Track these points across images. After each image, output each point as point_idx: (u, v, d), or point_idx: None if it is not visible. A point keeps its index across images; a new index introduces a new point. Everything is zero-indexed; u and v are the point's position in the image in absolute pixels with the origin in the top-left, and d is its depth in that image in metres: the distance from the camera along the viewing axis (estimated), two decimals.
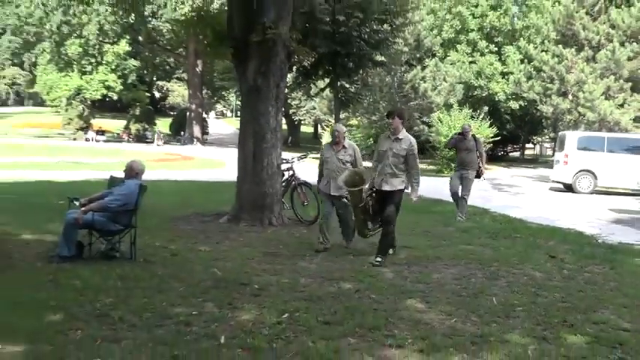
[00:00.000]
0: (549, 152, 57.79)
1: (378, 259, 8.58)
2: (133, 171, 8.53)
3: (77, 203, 8.62)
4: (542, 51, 37.47)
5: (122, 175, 8.70)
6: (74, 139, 52.50)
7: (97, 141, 51.64)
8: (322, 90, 25.19)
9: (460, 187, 13.55)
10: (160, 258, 8.53)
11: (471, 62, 45.17)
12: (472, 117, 37.96)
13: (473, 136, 13.96)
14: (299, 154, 14.40)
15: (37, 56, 62.62)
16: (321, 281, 7.46)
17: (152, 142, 50.59)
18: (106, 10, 49.75)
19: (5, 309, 5.86)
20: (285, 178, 12.44)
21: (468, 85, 43.37)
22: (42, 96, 63.82)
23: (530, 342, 5.43)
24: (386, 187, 8.91)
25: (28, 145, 41.62)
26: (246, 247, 9.60)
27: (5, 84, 74.82)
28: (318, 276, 7.73)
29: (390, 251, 9.08)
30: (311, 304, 6.36)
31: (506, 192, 23.93)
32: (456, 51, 46.07)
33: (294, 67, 17.04)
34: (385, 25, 21.21)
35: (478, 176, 13.69)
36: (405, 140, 8.89)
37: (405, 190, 9.24)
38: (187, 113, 54.89)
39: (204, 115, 59.10)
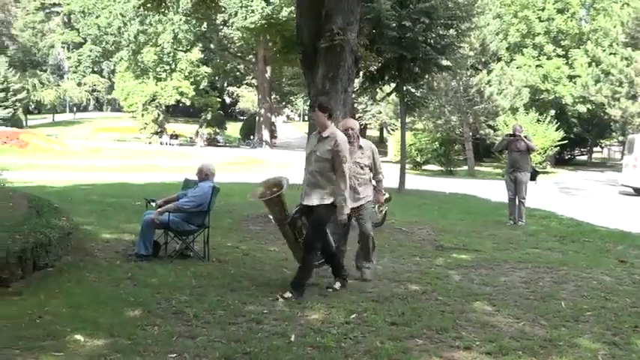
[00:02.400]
0: (618, 156, 56.18)
1: (287, 294, 6.54)
2: (204, 173, 8.69)
3: (153, 204, 8.83)
4: (611, 54, 36.48)
5: (196, 177, 8.87)
6: (149, 142, 53.82)
7: (171, 144, 52.76)
8: (388, 94, 25.05)
9: (515, 191, 13.05)
10: (232, 257, 8.65)
11: (537, 66, 44.28)
12: (538, 120, 37.30)
13: (525, 136, 13.47)
14: None
15: (115, 64, 64.38)
16: (387, 282, 7.45)
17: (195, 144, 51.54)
18: (180, 20, 50.94)
19: (88, 304, 6.05)
20: None
21: (534, 89, 42.49)
22: (120, 102, 65.61)
23: (600, 347, 5.28)
24: (306, 201, 6.93)
25: (107, 148, 42.87)
26: None
27: (86, 91, 77.11)
28: (384, 277, 7.71)
29: (337, 285, 7.05)
30: (378, 305, 6.35)
31: (574, 195, 23.33)
32: (522, 55, 45.22)
33: (361, 72, 16.97)
34: (451, 30, 20.92)
35: (533, 178, 13.35)
36: (331, 139, 6.78)
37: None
38: (257, 118, 55.57)
39: (273, 120, 59.64)
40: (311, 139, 7.34)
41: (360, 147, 7.62)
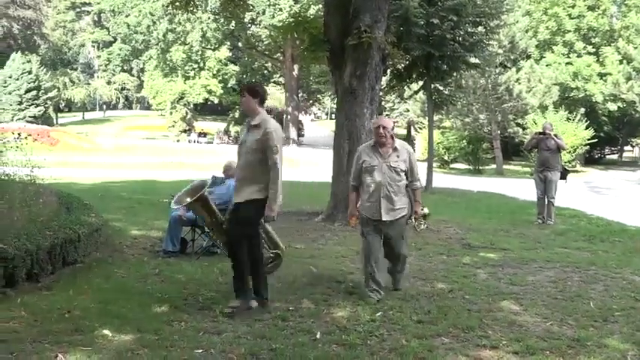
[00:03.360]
0: None
1: (232, 304, 5.85)
2: (232, 171, 8.71)
3: None
4: None
5: (222, 175, 8.91)
6: (178, 140, 54.19)
7: (199, 142, 53.09)
8: (416, 92, 24.92)
9: (545, 190, 12.80)
10: None
11: (567, 63, 43.69)
12: (568, 119, 36.83)
13: (555, 135, 13.19)
14: None
15: (144, 63, 64.91)
16: (414, 281, 7.41)
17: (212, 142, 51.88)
18: (209, 18, 51.21)
19: (116, 300, 6.11)
20: None
21: (563, 87, 41.97)
22: (149, 100, 66.19)
23: (629, 348, 5.19)
24: (235, 198, 6.12)
25: (136, 146, 43.26)
26: (341, 245, 9.63)
27: (115, 89, 77.89)
28: (411, 275, 7.65)
29: (234, 303, 5.87)
30: (404, 303, 6.33)
31: (604, 195, 23.02)
32: (552, 52, 44.65)
33: (389, 70, 16.91)
34: (480, 27, 20.77)
35: (563, 177, 12.98)
36: (260, 127, 5.93)
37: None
38: (284, 116, 55.66)
39: (300, 118, 59.72)
40: (242, 129, 6.65)
41: (395, 149, 6.54)
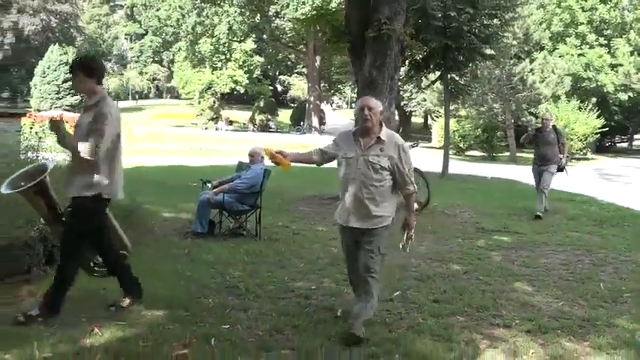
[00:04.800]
0: None
1: (32, 313, 4.81)
2: (258, 156, 8.74)
3: (209, 185, 8.95)
4: None
5: (248, 160, 8.93)
6: (206, 128, 54.34)
7: (226, 130, 53.25)
8: (433, 82, 24.72)
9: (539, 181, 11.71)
10: (282, 236, 8.70)
11: (579, 55, 43.05)
12: (580, 108, 36.42)
13: (554, 127, 11.97)
14: (410, 142, 14.24)
15: (174, 54, 65.08)
16: (430, 262, 7.40)
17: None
18: (235, 12, 51.14)
19: (149, 278, 6.15)
20: None
21: (576, 77, 41.38)
22: (178, 90, 66.38)
23: (637, 327, 5.16)
24: (66, 189, 5.08)
25: (167, 133, 43.48)
26: None
27: (147, 79, 78.29)
28: (427, 257, 7.65)
29: (124, 303, 5.20)
30: (421, 284, 6.33)
31: (614, 182, 22.72)
32: (565, 44, 44.01)
33: (407, 61, 16.79)
34: (495, 19, 20.53)
35: (561, 170, 11.81)
36: (97, 108, 4.87)
37: None
38: (306, 105, 55.60)
39: (322, 107, 59.61)
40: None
41: (380, 140, 4.81)
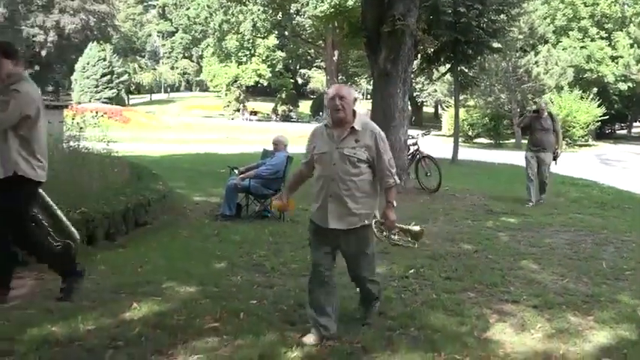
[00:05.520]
0: None
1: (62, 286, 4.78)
2: (281, 144, 8.72)
3: (236, 171, 8.96)
4: None
5: (272, 148, 8.92)
6: (232, 118, 54.47)
7: (251, 120, 53.29)
8: (443, 74, 24.45)
9: (537, 172, 10.70)
10: (303, 219, 8.62)
11: (581, 47, 42.44)
12: (582, 97, 36.01)
13: (549, 113, 10.96)
14: (422, 131, 14.20)
15: (202, 50, 65.10)
16: (442, 242, 7.34)
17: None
18: (259, 10, 50.93)
19: (182, 257, 6.20)
20: (410, 151, 12.23)
21: (578, 69, 40.82)
22: (206, 83, 66.48)
23: (638, 303, 5.10)
24: None
25: (196, 123, 43.61)
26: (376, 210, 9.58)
27: (178, 73, 78.49)
28: (439, 237, 7.60)
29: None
30: (434, 262, 6.28)
31: (614, 167, 22.44)
32: (568, 37, 43.38)
33: (419, 54, 16.62)
34: (502, 15, 20.22)
35: (554, 159, 10.87)
36: (11, 87, 4.45)
37: None
38: (325, 96, 55.45)
39: None
40: None
41: (354, 130, 4.07)
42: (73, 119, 9.61)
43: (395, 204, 4.24)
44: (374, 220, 4.21)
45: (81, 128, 9.21)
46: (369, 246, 4.24)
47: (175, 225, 8.04)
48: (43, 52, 58.46)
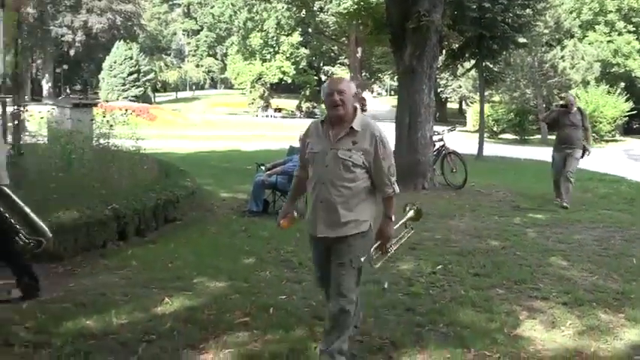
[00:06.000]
0: None
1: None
2: None
3: (263, 168, 8.99)
4: None
5: (299, 145, 8.92)
6: (257, 115, 54.63)
7: (275, 117, 53.42)
8: (468, 70, 24.31)
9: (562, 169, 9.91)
10: None
11: (608, 42, 41.69)
12: (609, 92, 35.46)
13: (578, 108, 10.15)
14: (448, 127, 14.10)
15: (227, 48, 65.33)
16: (469, 238, 7.28)
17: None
18: (283, 7, 51.01)
19: (211, 253, 6.24)
20: (436, 148, 12.15)
21: (605, 63, 40.13)
22: (231, 80, 66.74)
23: None
24: None
25: (221, 121, 43.84)
26: (401, 207, 9.50)
27: (203, 71, 78.93)
28: (466, 233, 7.55)
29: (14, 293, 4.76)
30: (462, 258, 6.23)
31: None
32: (594, 31, 42.65)
33: (444, 50, 16.52)
34: (528, 9, 20.00)
35: (583, 155, 10.05)
36: None
37: None
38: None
39: (363, 94, 59.27)
40: None
41: (352, 131, 3.53)
42: (104, 116, 9.71)
43: (393, 218, 3.71)
44: (372, 250, 3.69)
45: (111, 126, 9.30)
46: (357, 258, 3.55)
47: (204, 221, 8.10)
48: (72, 52, 59.22)
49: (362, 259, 3.59)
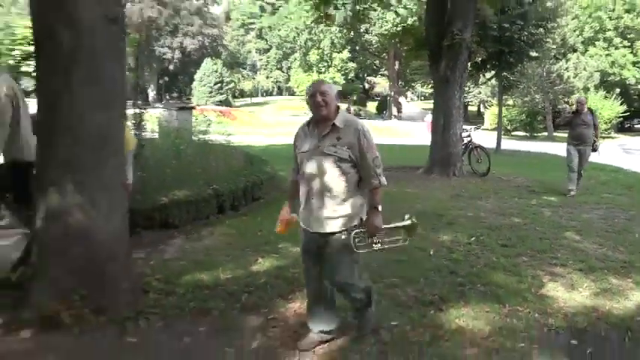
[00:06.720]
0: None
1: None
2: None
3: None
4: None
5: None
6: None
7: None
8: (489, 79, 23.61)
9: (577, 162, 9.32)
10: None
11: (606, 55, 39.79)
12: (606, 97, 33.99)
13: (589, 109, 9.57)
14: (474, 126, 13.79)
15: (291, 63, 65.44)
16: (496, 216, 7.13)
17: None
18: (336, 29, 50.67)
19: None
20: (464, 142, 11.92)
21: (603, 73, 38.32)
22: (293, 89, 66.87)
23: None
24: None
25: (287, 120, 43.99)
26: (438, 190, 9.42)
27: (271, 81, 79.45)
28: (493, 212, 7.39)
29: None
30: (491, 232, 6.12)
31: (635, 155, 21.05)
32: (594, 46, 40.76)
33: (469, 63, 16.10)
34: (540, 29, 19.22)
35: (594, 150, 9.52)
36: None
37: None
38: (388, 98, 54.78)
39: (399, 100, 58.44)
40: None
41: (335, 128, 3.09)
42: (204, 117, 9.88)
43: (380, 208, 3.13)
44: (353, 232, 3.07)
45: (209, 124, 9.46)
46: (349, 250, 3.07)
47: (282, 200, 8.04)
48: (171, 67, 60.52)
49: (354, 249, 3.05)
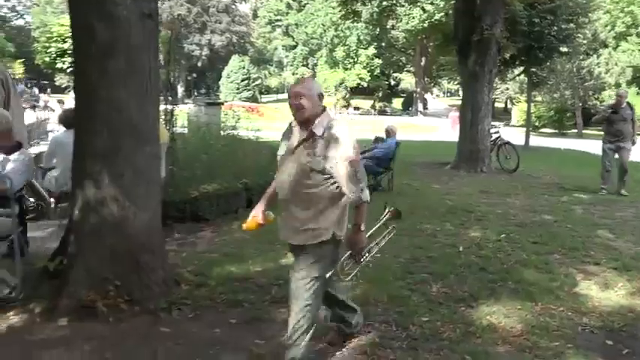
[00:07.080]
0: None
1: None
2: (392, 132, 8.64)
3: None
4: None
5: (385, 135, 8.84)
6: (340, 113, 54.51)
7: (354, 114, 53.15)
8: (518, 75, 23.17)
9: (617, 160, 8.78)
10: (408, 191, 8.57)
11: (639, 50, 38.60)
12: (638, 93, 32.91)
13: (628, 103, 8.79)
14: (503, 122, 13.56)
15: (317, 59, 65.43)
16: (526, 213, 6.98)
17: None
18: (362, 26, 50.42)
19: None
20: (493, 138, 11.72)
21: (635, 69, 37.21)
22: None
23: None
24: None
25: None
26: (466, 186, 9.28)
27: (298, 78, 79.66)
28: (523, 209, 7.24)
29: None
30: (521, 229, 5.99)
31: None
32: (627, 42, 39.56)
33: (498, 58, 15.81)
34: (571, 23, 18.75)
35: (633, 144, 8.87)
36: None
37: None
38: (414, 94, 54.33)
39: (425, 96, 57.87)
40: None
41: (312, 134, 2.67)
42: (233, 112, 9.94)
43: (363, 227, 2.75)
44: (343, 258, 2.86)
45: (238, 119, 9.51)
46: (316, 268, 2.72)
47: None
48: (199, 64, 61.18)
49: (327, 275, 2.76)
